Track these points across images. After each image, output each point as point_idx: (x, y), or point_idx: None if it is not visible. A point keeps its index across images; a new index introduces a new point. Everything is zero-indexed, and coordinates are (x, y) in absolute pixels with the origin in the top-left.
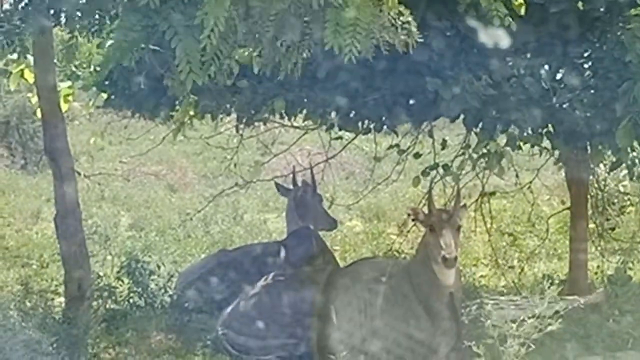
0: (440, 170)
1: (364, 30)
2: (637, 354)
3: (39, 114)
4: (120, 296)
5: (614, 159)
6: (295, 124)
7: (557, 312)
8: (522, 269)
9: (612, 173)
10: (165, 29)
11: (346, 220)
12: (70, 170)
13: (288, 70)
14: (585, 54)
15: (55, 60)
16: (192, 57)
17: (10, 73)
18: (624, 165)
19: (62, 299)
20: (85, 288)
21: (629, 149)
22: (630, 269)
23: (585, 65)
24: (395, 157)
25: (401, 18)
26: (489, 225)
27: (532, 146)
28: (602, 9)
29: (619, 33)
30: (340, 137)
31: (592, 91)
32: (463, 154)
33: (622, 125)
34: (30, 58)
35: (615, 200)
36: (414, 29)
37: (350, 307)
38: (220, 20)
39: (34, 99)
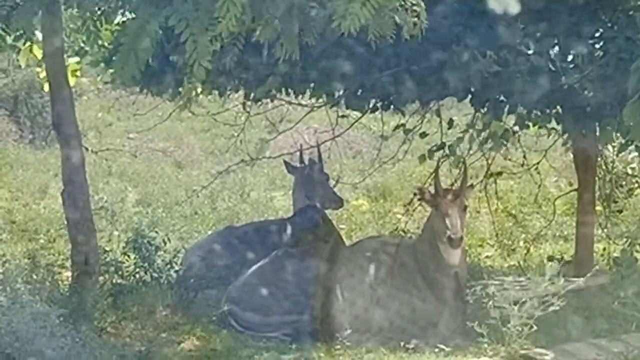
0: (447, 151)
1: (375, 5)
2: None
3: (46, 88)
4: (127, 271)
5: (623, 141)
6: (302, 102)
7: (559, 292)
8: (528, 250)
9: (620, 155)
10: (176, 22)
11: (352, 199)
12: (77, 144)
13: (294, 50)
14: (596, 33)
15: (63, 36)
16: (202, 53)
17: (20, 49)
18: (632, 147)
19: (69, 273)
20: (92, 263)
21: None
22: (636, 251)
23: (596, 45)
24: (402, 137)
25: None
26: (495, 206)
27: (540, 127)
28: None
29: (630, 12)
30: (347, 116)
31: (602, 71)
32: (468, 132)
33: (630, 103)
34: (39, 34)
35: (623, 183)
36: (422, 11)
37: (356, 285)
38: (237, 8)
39: (42, 74)
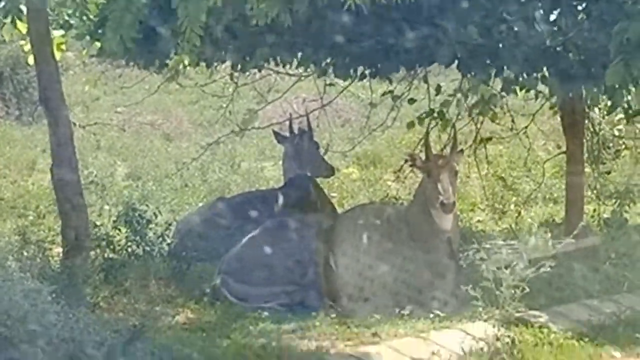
0: (436, 115)
1: None
2: (633, 297)
3: (30, 61)
4: (118, 245)
5: (610, 103)
6: (290, 71)
7: (549, 254)
8: (519, 213)
9: (606, 117)
10: None
11: (343, 167)
12: (65, 118)
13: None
14: None
15: (48, 9)
16: (194, 19)
17: (4, 24)
18: (619, 109)
19: (60, 249)
20: (82, 238)
21: (623, 92)
22: (626, 212)
23: (579, 7)
24: (390, 104)
25: None
26: (485, 171)
27: (527, 91)
28: None
29: None
30: (335, 84)
31: (586, 33)
32: (456, 96)
33: (613, 64)
34: (23, 8)
35: (611, 144)
36: None
37: (349, 252)
38: None
39: (27, 46)
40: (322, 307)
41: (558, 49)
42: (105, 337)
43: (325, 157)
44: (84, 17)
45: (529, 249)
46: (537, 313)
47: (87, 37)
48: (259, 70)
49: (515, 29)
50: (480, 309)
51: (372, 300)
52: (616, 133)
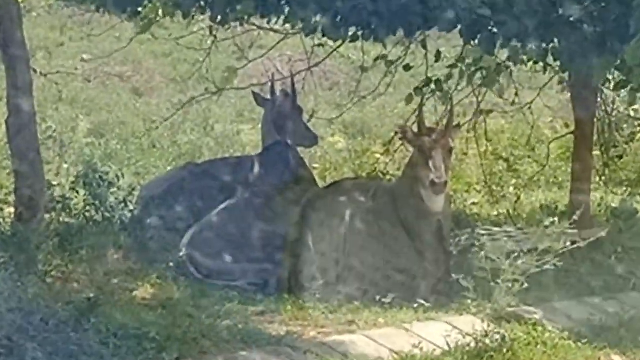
0: (433, 86)
1: None
2: (639, 296)
3: None
4: (76, 209)
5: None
6: (275, 27)
7: (555, 247)
8: (519, 198)
9: (622, 95)
10: None
11: (328, 136)
12: (25, 66)
13: None
14: None
15: None
16: None
17: None
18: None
19: (12, 209)
20: (37, 199)
21: None
22: (636, 202)
23: None
24: (383, 69)
25: None
26: (484, 148)
27: (536, 63)
28: None
29: None
30: (324, 45)
31: (604, 4)
32: (458, 67)
33: (634, 42)
34: None
35: (625, 126)
36: None
37: (329, 231)
38: None
39: None
40: (289, 289)
41: (572, 19)
42: (56, 310)
43: (310, 124)
44: None
45: (534, 239)
46: (531, 309)
47: None
48: (241, 24)
49: None
50: (470, 301)
51: (351, 286)
52: (632, 113)
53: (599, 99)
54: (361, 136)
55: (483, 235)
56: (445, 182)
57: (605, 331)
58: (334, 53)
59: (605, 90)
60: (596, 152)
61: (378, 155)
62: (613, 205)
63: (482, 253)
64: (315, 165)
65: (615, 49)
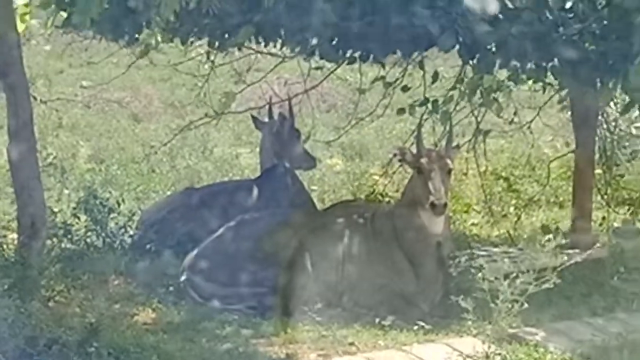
0: (431, 106)
1: None
2: None
3: None
4: (77, 235)
5: (627, 100)
6: (272, 50)
7: (555, 267)
8: (519, 218)
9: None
10: None
11: (326, 158)
12: (25, 93)
13: None
14: None
15: None
16: None
17: None
18: (637, 105)
19: (15, 235)
20: (39, 225)
21: None
22: (639, 221)
23: None
24: (381, 90)
25: None
26: (483, 168)
27: (535, 82)
28: None
29: None
30: (322, 67)
31: (605, 22)
32: (456, 88)
33: (638, 61)
34: None
35: (626, 144)
36: None
37: (327, 254)
38: None
39: None
40: (289, 313)
41: (573, 38)
42: (59, 335)
43: (307, 146)
44: None
45: (532, 259)
46: (532, 330)
47: (53, 6)
48: (239, 49)
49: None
50: (470, 322)
51: (350, 308)
52: (633, 131)
53: (600, 117)
54: (359, 158)
55: (481, 256)
56: (445, 204)
57: (608, 352)
58: (331, 75)
59: (606, 108)
60: (598, 171)
61: (376, 177)
62: (615, 224)
63: (480, 275)
64: (314, 188)
65: (618, 67)
